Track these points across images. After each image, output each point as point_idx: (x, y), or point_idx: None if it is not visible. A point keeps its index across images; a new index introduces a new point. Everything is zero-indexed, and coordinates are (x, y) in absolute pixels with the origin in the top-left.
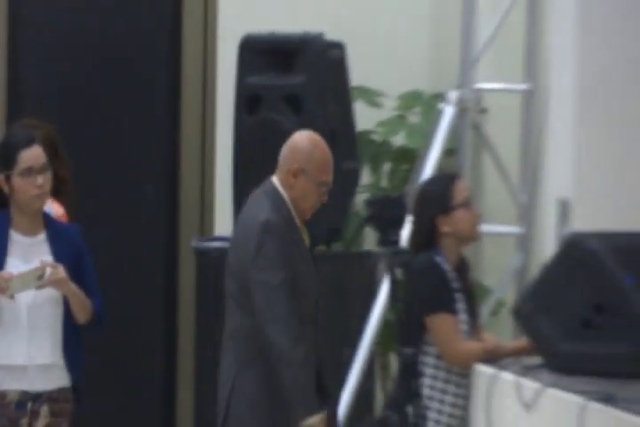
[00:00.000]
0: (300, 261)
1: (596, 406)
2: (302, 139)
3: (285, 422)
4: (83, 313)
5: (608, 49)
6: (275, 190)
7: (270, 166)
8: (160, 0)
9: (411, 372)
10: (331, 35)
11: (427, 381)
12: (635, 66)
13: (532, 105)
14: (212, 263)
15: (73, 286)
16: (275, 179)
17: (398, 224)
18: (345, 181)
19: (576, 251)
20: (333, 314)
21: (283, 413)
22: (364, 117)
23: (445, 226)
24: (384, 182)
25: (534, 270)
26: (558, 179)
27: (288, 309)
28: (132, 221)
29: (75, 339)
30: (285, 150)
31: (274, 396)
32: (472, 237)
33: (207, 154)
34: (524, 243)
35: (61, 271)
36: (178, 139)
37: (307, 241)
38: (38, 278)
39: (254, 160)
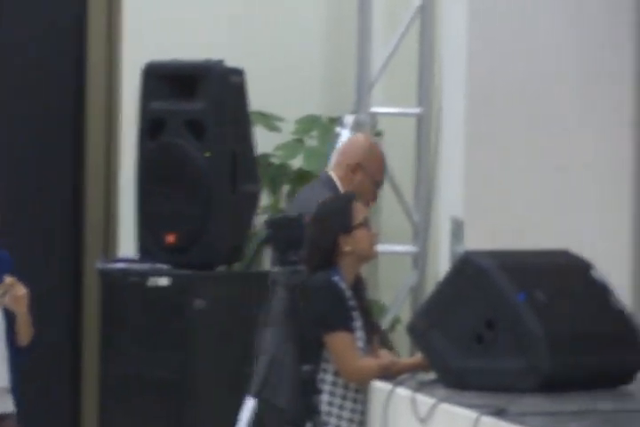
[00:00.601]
0: None
1: (488, 420)
2: (362, 138)
3: None
4: (27, 336)
5: (495, 74)
6: (334, 184)
7: (173, 189)
8: (64, 27)
9: (309, 388)
10: (231, 61)
11: (325, 397)
12: (520, 89)
13: (425, 128)
14: (116, 284)
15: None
16: (332, 173)
17: (296, 244)
18: (245, 203)
19: (469, 269)
20: (233, 332)
21: None
22: (264, 141)
23: (347, 245)
24: (283, 204)
25: (429, 288)
26: (451, 199)
27: None
28: (37, 242)
29: (15, 362)
30: (345, 147)
31: None
32: (371, 255)
33: (111, 177)
34: (419, 261)
35: (22, 289)
36: (83, 163)
37: None
38: (1, 295)
39: (157, 183)
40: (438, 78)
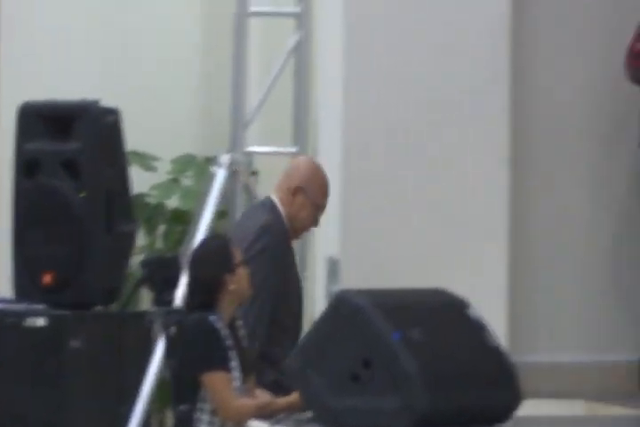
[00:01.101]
0: (288, 277)
1: None
2: (305, 161)
3: None
4: None
5: (372, 114)
6: (274, 206)
7: (49, 229)
8: None
9: None
10: (106, 101)
11: None
12: (397, 129)
13: None
14: None
15: None
16: (273, 196)
17: (173, 284)
18: (121, 243)
19: (344, 308)
20: (110, 372)
21: None
22: (140, 181)
23: (232, 284)
24: (159, 244)
25: (305, 328)
26: (327, 238)
27: (267, 322)
28: None
29: None
30: (287, 170)
31: None
32: (249, 294)
33: None
34: None
35: None
36: None
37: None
38: None
39: (33, 224)
40: (314, 118)
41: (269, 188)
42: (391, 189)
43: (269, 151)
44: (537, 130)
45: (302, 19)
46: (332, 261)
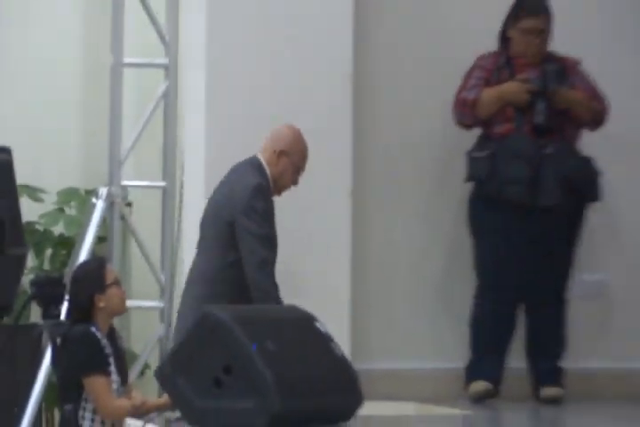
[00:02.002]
0: (273, 220)
1: None
2: (289, 127)
3: None
4: None
5: (230, 151)
6: (260, 165)
7: None
8: None
9: (71, 425)
10: None
11: None
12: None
13: (169, 199)
14: None
15: None
16: (260, 156)
17: (59, 300)
18: (13, 265)
19: (208, 322)
20: (4, 379)
21: None
22: (29, 210)
23: (101, 302)
24: (46, 265)
25: (175, 339)
26: (190, 260)
27: (271, 257)
28: None
29: None
30: (272, 134)
31: None
32: (121, 310)
33: None
34: (165, 315)
35: None
36: None
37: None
38: None
39: None
40: (180, 156)
41: (142, 217)
42: None
43: (142, 185)
44: (376, 164)
45: (170, 69)
46: None
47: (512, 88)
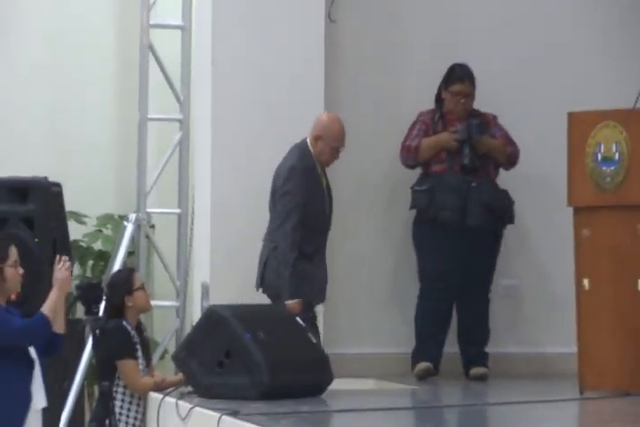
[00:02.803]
0: (314, 194)
1: (227, 419)
2: (326, 115)
3: None
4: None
5: (234, 187)
6: (305, 145)
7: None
8: None
9: (108, 398)
10: (52, 177)
11: (118, 403)
12: (253, 191)
13: (183, 223)
14: None
15: None
16: (307, 139)
17: (98, 301)
18: None
19: (213, 317)
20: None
21: None
22: (75, 231)
23: (130, 302)
24: (88, 273)
25: (187, 330)
26: (201, 270)
27: (293, 224)
28: None
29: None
30: (314, 122)
31: None
32: (146, 309)
33: None
34: (180, 312)
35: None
36: None
37: (324, 182)
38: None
39: None
40: (192, 190)
41: (162, 236)
42: (248, 233)
43: (162, 211)
44: (342, 195)
45: (184, 123)
46: (204, 286)
47: (445, 137)
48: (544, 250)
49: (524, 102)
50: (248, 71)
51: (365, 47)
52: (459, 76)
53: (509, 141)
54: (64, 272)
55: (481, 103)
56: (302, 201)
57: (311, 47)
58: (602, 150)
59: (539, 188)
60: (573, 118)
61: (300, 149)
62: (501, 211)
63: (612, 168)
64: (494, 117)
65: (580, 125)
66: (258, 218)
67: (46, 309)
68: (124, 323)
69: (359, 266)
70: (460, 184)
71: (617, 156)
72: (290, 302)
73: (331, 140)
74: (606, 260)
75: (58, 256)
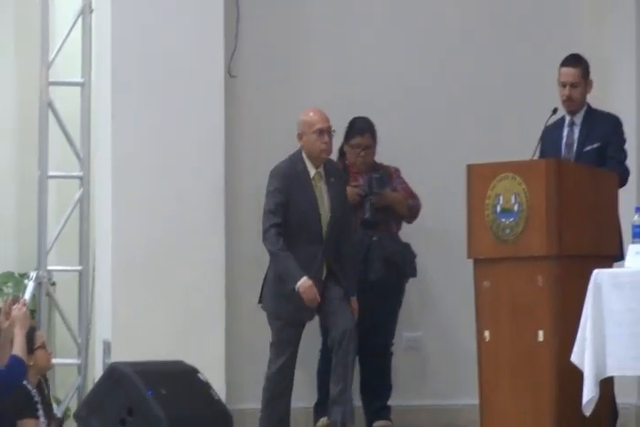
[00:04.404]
0: (299, 198)
1: None
2: (300, 115)
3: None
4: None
5: (132, 240)
6: (297, 151)
7: None
8: None
9: None
10: None
11: None
12: (149, 247)
13: (85, 279)
14: None
15: None
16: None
17: None
18: None
19: (114, 374)
20: None
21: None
22: None
23: (30, 361)
24: None
25: (89, 388)
26: (103, 327)
27: (271, 223)
28: None
29: None
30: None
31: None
32: (48, 367)
33: None
34: (82, 369)
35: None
36: None
37: (322, 187)
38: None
39: None
40: (93, 246)
41: (64, 293)
42: (152, 299)
43: (63, 269)
44: (246, 260)
45: (84, 180)
46: (106, 343)
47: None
48: (447, 302)
49: (425, 155)
50: (148, 126)
51: (265, 102)
52: (358, 129)
53: (411, 194)
54: (22, 308)
55: (383, 156)
56: (281, 202)
57: (211, 102)
58: (501, 202)
59: (441, 240)
60: (472, 170)
61: (290, 155)
62: (403, 265)
63: (512, 220)
64: (396, 170)
65: (479, 177)
66: (160, 273)
67: (18, 350)
68: (25, 382)
69: (262, 319)
70: (362, 238)
71: (516, 207)
72: (300, 286)
73: (310, 128)
74: (507, 311)
75: (12, 296)
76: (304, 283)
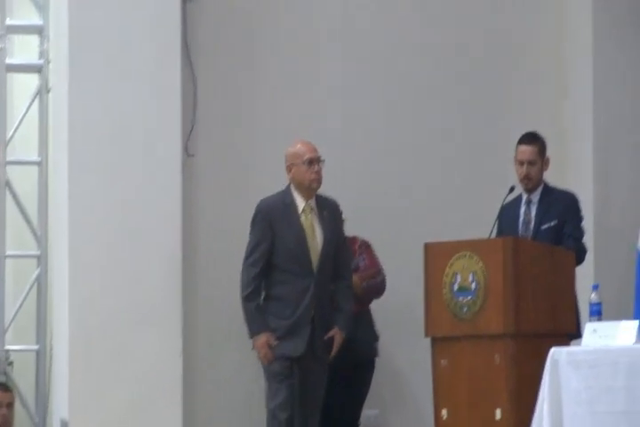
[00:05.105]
0: (285, 232)
1: None
2: (288, 148)
3: None
4: None
5: (92, 316)
6: (287, 186)
7: None
8: None
9: None
10: None
11: None
12: (115, 334)
13: (42, 358)
14: None
15: None
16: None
17: None
18: None
19: None
20: None
21: None
22: None
23: None
24: None
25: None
26: (60, 406)
27: (249, 262)
28: None
29: None
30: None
31: None
32: None
33: None
34: None
35: None
36: None
37: (310, 219)
38: None
39: None
40: (50, 325)
41: (22, 373)
42: (110, 372)
43: (22, 349)
44: (202, 335)
45: (42, 259)
46: (63, 422)
47: None
48: (405, 380)
49: (384, 233)
50: (105, 205)
51: (222, 180)
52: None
53: (373, 273)
54: None
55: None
56: (261, 240)
57: (168, 180)
58: (458, 280)
59: (401, 319)
60: (430, 249)
61: (280, 192)
62: (365, 345)
63: (469, 298)
64: (363, 245)
65: (437, 256)
66: (117, 352)
67: None
68: None
69: (220, 398)
70: None
71: (473, 285)
72: (253, 341)
73: (299, 158)
74: (464, 390)
75: None
76: (258, 339)
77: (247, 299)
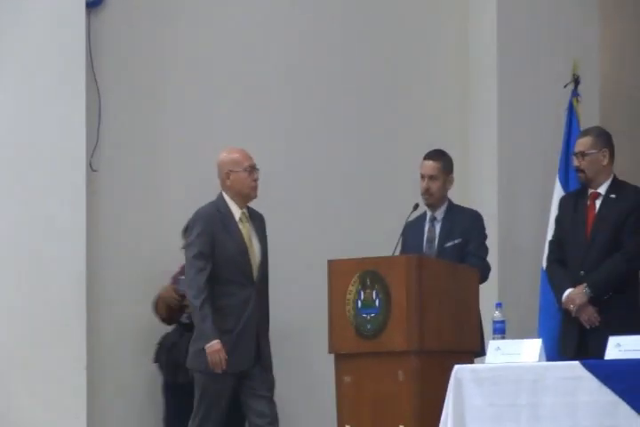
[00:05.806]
0: (227, 239)
1: None
2: (222, 153)
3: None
4: None
5: None
6: (219, 196)
7: None
8: None
9: None
10: None
11: None
12: None
13: None
14: None
15: None
16: (221, 186)
17: None
18: None
19: None
20: None
21: None
22: None
23: None
24: None
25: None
26: None
27: (194, 273)
28: None
29: None
30: (217, 168)
31: None
32: None
33: None
34: None
35: None
36: None
37: (247, 229)
38: None
39: None
40: None
41: None
42: None
43: None
44: (107, 356)
45: None
46: None
47: None
48: (310, 397)
49: (287, 250)
50: (7, 218)
51: (127, 195)
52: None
53: None
54: None
55: None
56: (204, 248)
57: (73, 196)
58: (362, 297)
59: (302, 335)
60: (333, 266)
61: (212, 201)
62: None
63: (373, 315)
64: None
65: (340, 273)
66: (21, 367)
67: None
68: None
69: None
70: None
71: (377, 302)
72: (208, 348)
73: (238, 165)
74: (368, 406)
75: None
76: (213, 346)
77: (203, 303)
